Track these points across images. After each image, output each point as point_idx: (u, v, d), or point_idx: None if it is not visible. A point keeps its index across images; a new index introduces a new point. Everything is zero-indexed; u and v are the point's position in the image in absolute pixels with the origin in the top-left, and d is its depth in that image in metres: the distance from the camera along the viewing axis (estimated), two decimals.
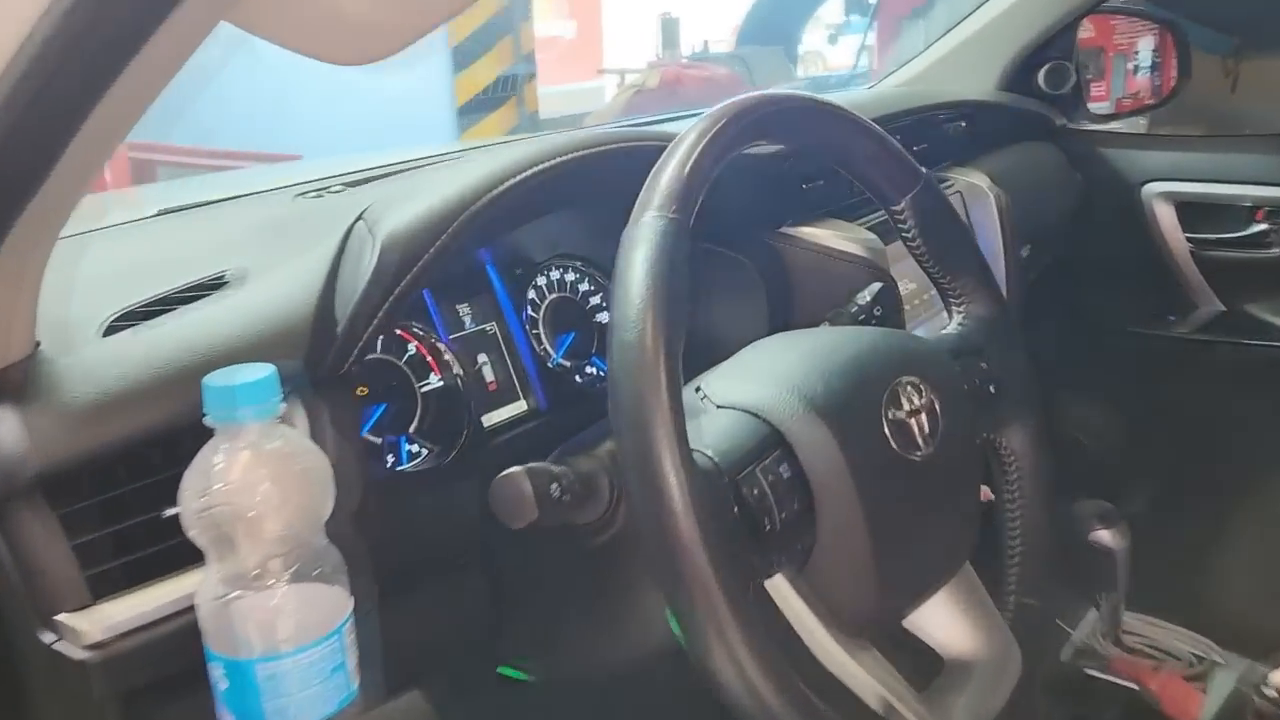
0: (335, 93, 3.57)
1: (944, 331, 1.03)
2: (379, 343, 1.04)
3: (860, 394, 0.85)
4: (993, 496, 1.04)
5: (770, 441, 0.81)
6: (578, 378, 1.24)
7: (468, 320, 1.16)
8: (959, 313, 1.04)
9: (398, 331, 1.09)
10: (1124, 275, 2.03)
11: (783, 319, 1.24)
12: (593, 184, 1.06)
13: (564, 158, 0.97)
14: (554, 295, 1.25)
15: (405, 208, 0.90)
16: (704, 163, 0.79)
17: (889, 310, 1.16)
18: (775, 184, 1.26)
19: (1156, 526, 1.77)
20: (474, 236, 0.91)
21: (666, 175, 0.78)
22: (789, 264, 1.25)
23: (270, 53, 0.69)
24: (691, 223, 0.77)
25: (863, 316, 1.14)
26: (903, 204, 0.98)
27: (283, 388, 0.69)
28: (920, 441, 0.86)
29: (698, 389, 0.89)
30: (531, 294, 1.24)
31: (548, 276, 1.25)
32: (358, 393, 1.04)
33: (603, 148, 1.02)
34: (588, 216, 1.23)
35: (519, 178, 0.93)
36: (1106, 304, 2.08)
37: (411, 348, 1.10)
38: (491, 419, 1.15)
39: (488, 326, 1.18)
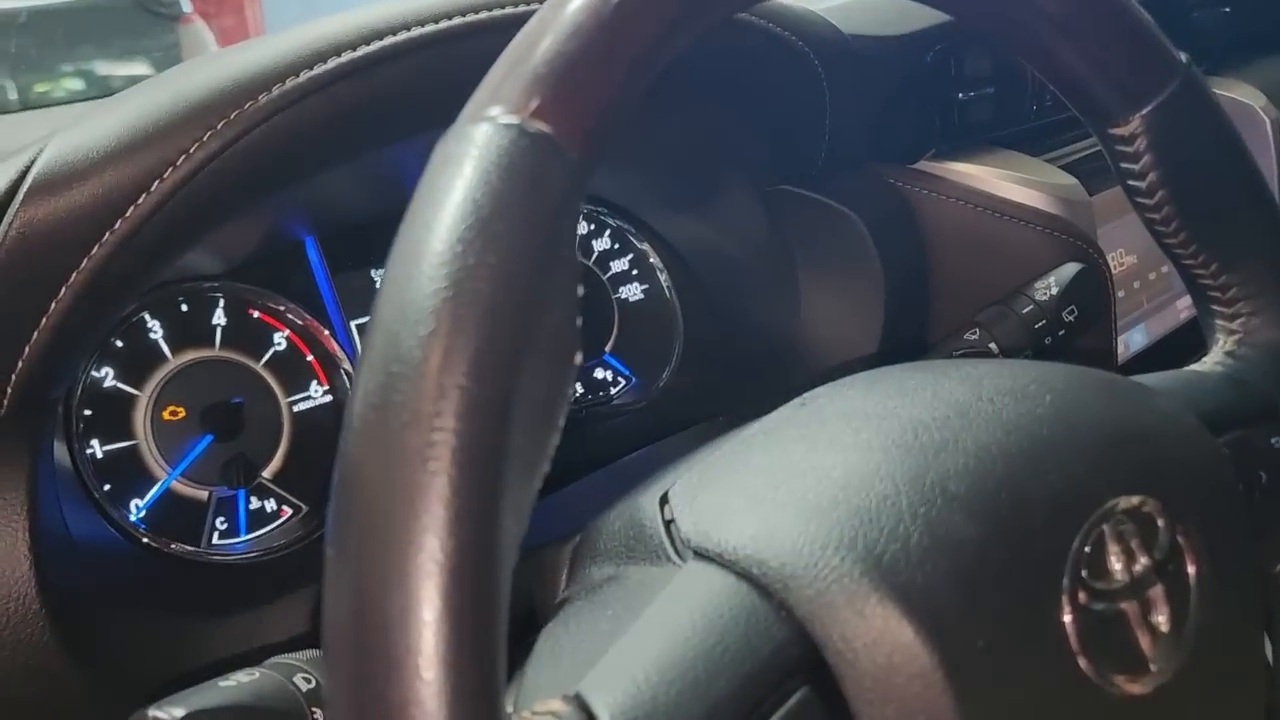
0: None
1: (1197, 367, 0.54)
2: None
3: (1011, 546, 0.38)
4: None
5: (787, 658, 0.35)
6: (580, 387, 0.80)
7: None
8: (1231, 332, 0.54)
9: (253, 311, 0.67)
10: None
11: (908, 318, 0.75)
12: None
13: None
14: None
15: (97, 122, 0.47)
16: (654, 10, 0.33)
17: (1091, 312, 0.66)
18: (906, 89, 0.76)
19: None
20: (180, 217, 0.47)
21: (554, 34, 0.32)
22: (923, 222, 0.76)
23: None
24: (597, 151, 0.32)
25: (1042, 324, 0.65)
26: (1135, 122, 0.49)
27: None
28: (1151, 654, 0.38)
29: (664, 500, 0.43)
30: None
31: None
32: (166, 415, 0.63)
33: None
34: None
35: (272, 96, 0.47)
36: None
37: (279, 340, 0.68)
38: None
39: None
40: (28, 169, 0.44)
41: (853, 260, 0.75)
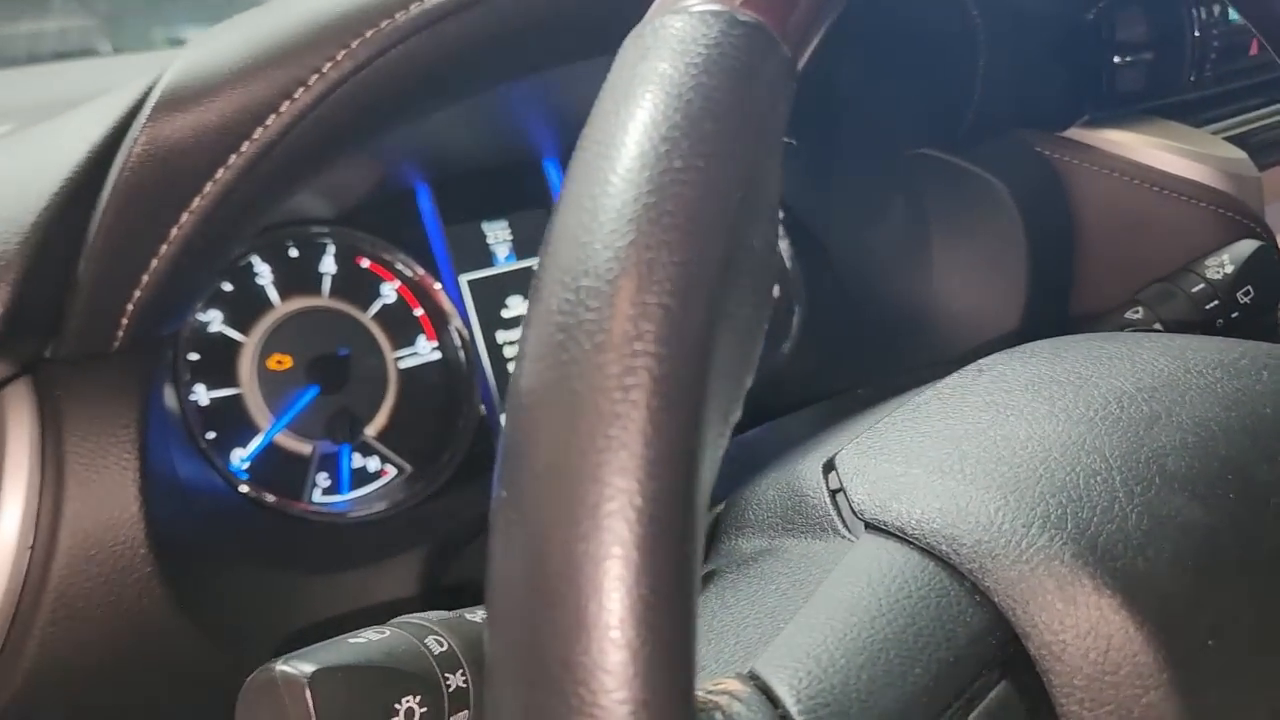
0: None
1: None
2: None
3: (1245, 533, 0.33)
4: None
5: (985, 648, 0.31)
6: None
7: (502, 251, 0.70)
8: None
9: (363, 260, 0.65)
10: None
11: (1053, 294, 0.70)
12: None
13: None
14: None
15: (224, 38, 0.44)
16: None
17: (1269, 292, 0.61)
18: (1061, 49, 0.71)
19: None
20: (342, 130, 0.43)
21: None
22: (1073, 194, 0.70)
23: None
24: (806, 55, 0.28)
25: (1214, 304, 0.59)
26: None
27: None
28: None
29: (829, 468, 0.39)
30: None
31: None
32: (272, 364, 0.60)
33: None
34: None
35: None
36: None
37: (388, 292, 0.65)
38: None
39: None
40: (154, 85, 0.41)
41: (995, 230, 0.70)
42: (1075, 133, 0.73)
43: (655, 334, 0.23)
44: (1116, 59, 0.73)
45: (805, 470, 0.40)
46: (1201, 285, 0.60)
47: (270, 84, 0.41)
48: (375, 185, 0.63)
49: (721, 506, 0.43)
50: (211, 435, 0.58)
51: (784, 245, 0.79)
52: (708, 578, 0.39)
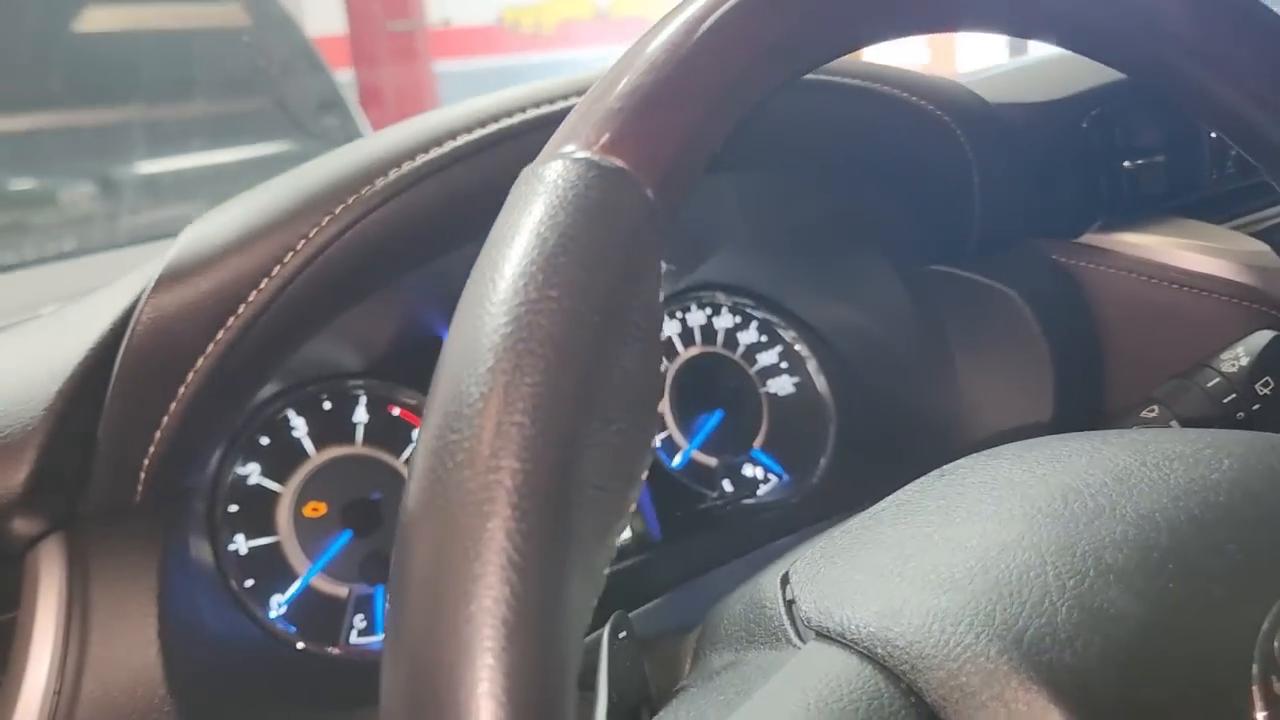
0: None
1: None
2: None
3: (1183, 626, 0.32)
4: None
5: None
6: (727, 484, 0.76)
7: None
8: None
9: (393, 408, 0.68)
10: None
11: (1075, 399, 0.69)
12: None
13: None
14: (693, 350, 0.78)
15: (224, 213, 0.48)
16: (748, 40, 0.32)
17: None
18: (1062, 158, 0.72)
19: None
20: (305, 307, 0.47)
21: (631, 71, 0.31)
22: (1092, 297, 0.70)
23: None
24: (679, 192, 0.30)
25: (1231, 398, 0.58)
26: None
27: None
28: None
29: (785, 580, 0.39)
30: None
31: (682, 319, 0.79)
32: (308, 511, 0.64)
33: None
34: (750, 222, 0.76)
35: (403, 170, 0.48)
36: None
37: (418, 437, 0.68)
38: None
39: None
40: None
41: (1015, 340, 0.70)
42: (1091, 237, 0.73)
43: (511, 450, 0.25)
44: (1126, 163, 0.74)
45: (766, 583, 0.40)
46: (1217, 379, 0.59)
47: (260, 253, 0.45)
48: (401, 335, 0.67)
49: (700, 626, 0.44)
50: (250, 583, 0.61)
51: (812, 368, 0.80)
52: (674, 694, 0.40)
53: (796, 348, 0.80)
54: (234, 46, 3.11)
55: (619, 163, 0.29)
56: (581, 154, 0.29)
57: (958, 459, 0.66)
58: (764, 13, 0.32)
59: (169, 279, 0.45)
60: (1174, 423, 0.58)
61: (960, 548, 0.35)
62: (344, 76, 3.96)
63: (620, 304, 0.27)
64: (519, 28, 5.77)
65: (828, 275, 0.77)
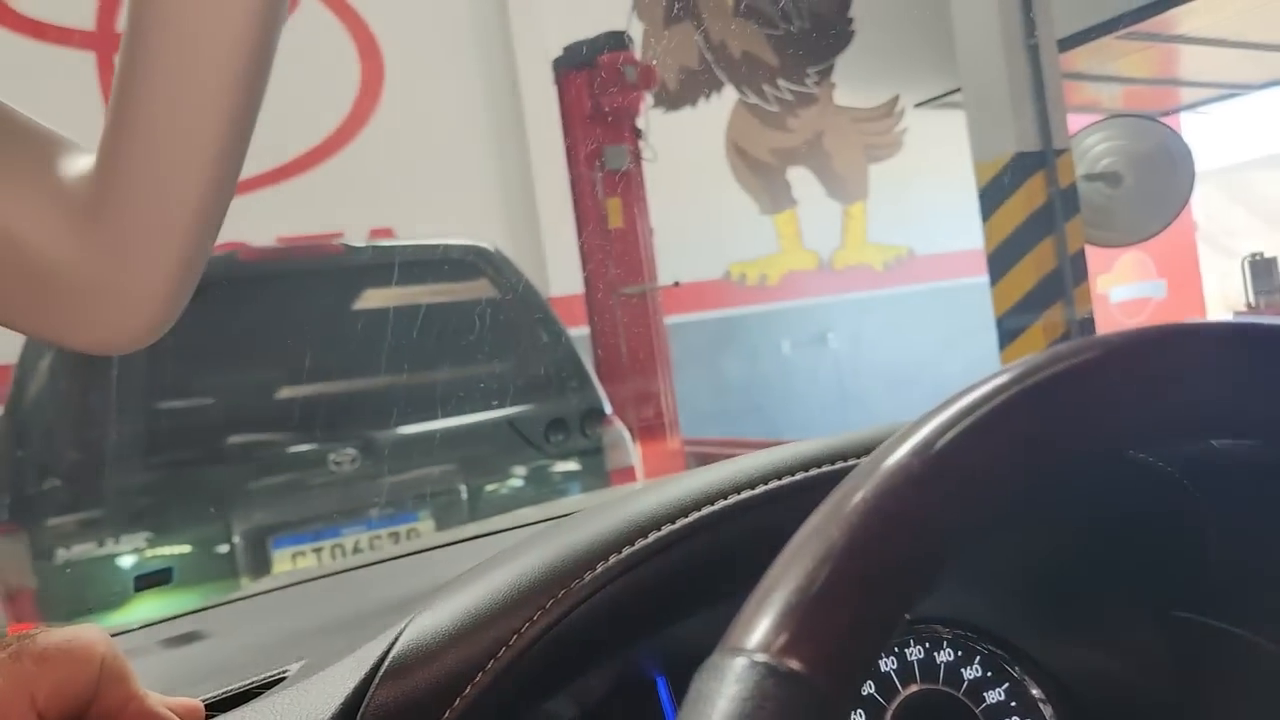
0: None
1: None
2: None
3: None
4: None
5: None
6: None
7: None
8: None
9: None
10: None
11: None
12: None
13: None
14: (912, 687, 0.75)
15: (445, 606, 0.51)
16: (934, 532, 0.33)
17: None
18: (1158, 533, 0.66)
19: None
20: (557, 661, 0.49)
21: (802, 562, 0.32)
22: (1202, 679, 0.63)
23: None
24: (848, 679, 0.30)
25: None
26: None
27: None
28: None
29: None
30: (870, 686, 0.75)
31: (899, 653, 0.76)
32: None
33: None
34: (973, 559, 0.74)
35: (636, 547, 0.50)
36: None
37: None
38: None
39: None
40: (388, 651, 0.49)
41: (1271, 690, 0.63)
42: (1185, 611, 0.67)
43: None
44: None
45: None
46: None
47: (477, 646, 0.48)
48: (616, 682, 0.68)
49: None
50: None
51: (1047, 713, 0.75)
52: None
53: (1032, 690, 0.75)
54: (481, 318, 3.39)
55: (796, 666, 0.29)
56: (760, 656, 0.29)
57: None
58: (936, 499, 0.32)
59: (393, 673, 0.48)
60: None
61: None
62: (579, 331, 4.24)
63: None
64: (745, 282, 6.02)
65: (1064, 614, 0.73)
